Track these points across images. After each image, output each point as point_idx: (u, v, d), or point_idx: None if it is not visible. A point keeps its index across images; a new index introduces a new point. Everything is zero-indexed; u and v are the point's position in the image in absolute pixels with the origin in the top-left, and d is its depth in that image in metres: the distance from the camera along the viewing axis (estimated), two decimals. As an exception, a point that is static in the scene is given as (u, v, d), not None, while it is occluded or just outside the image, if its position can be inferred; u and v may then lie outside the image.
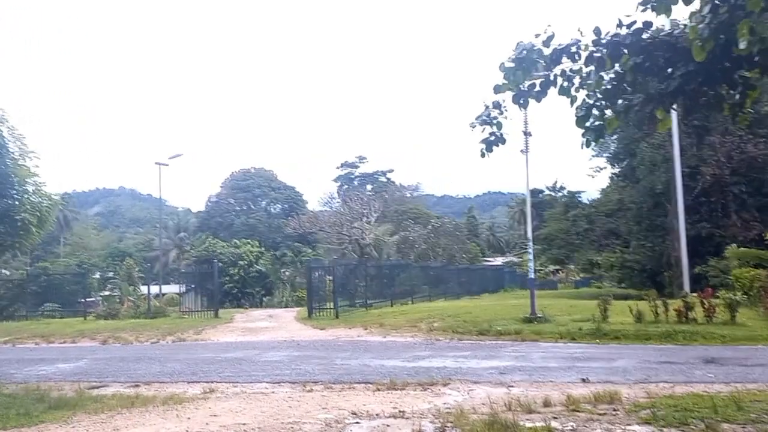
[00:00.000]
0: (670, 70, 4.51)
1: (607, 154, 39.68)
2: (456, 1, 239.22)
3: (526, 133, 17.01)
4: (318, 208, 56.65)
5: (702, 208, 31.53)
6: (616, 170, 40.21)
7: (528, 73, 4.92)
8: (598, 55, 4.72)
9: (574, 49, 4.84)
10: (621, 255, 36.59)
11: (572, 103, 5.00)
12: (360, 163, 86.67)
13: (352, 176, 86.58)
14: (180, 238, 69.49)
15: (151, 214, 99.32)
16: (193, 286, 47.69)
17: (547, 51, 4.87)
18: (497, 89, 5.11)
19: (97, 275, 52.99)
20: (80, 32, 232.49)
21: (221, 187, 72.63)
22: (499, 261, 73.36)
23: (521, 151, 17.18)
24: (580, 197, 46.76)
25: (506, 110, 5.28)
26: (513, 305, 22.09)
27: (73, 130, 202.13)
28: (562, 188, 63.17)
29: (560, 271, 61.81)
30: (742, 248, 23.76)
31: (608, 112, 5.03)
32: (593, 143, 5.27)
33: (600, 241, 39.00)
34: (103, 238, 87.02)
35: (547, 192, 70.64)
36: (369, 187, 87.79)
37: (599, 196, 42.78)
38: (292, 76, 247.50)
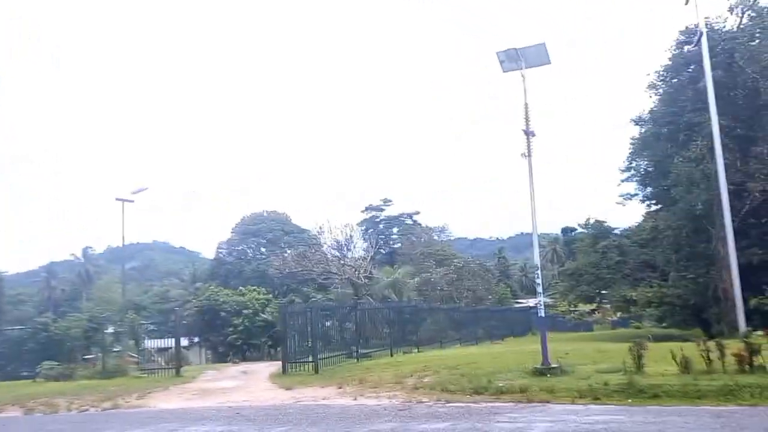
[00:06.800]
0: None
1: (637, 177, 35.44)
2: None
3: (528, 133, 13.57)
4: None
5: (751, 231, 27.44)
6: (648, 192, 35.77)
7: None
8: None
9: None
10: (659, 289, 32.18)
11: None
12: (385, 206, 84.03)
13: (377, 219, 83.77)
14: (196, 287, 66.89)
15: (182, 267, 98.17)
16: (196, 339, 44.73)
17: None
18: None
19: (111, 330, 50.51)
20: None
21: (232, 232, 69.69)
22: (531, 302, 69.32)
23: (522, 154, 13.72)
24: (611, 229, 42.50)
25: None
26: (530, 351, 18.35)
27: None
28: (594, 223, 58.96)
29: (596, 312, 57.08)
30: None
31: None
32: None
33: (634, 275, 34.72)
34: (128, 292, 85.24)
35: (579, 230, 66.71)
36: (395, 230, 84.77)
37: (632, 227, 38.59)
38: (312, 118, 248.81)
